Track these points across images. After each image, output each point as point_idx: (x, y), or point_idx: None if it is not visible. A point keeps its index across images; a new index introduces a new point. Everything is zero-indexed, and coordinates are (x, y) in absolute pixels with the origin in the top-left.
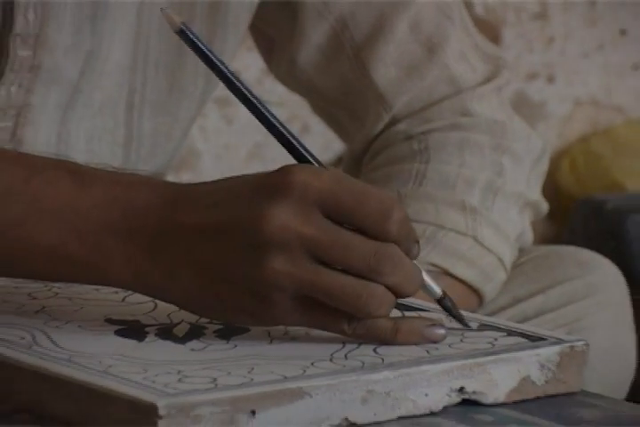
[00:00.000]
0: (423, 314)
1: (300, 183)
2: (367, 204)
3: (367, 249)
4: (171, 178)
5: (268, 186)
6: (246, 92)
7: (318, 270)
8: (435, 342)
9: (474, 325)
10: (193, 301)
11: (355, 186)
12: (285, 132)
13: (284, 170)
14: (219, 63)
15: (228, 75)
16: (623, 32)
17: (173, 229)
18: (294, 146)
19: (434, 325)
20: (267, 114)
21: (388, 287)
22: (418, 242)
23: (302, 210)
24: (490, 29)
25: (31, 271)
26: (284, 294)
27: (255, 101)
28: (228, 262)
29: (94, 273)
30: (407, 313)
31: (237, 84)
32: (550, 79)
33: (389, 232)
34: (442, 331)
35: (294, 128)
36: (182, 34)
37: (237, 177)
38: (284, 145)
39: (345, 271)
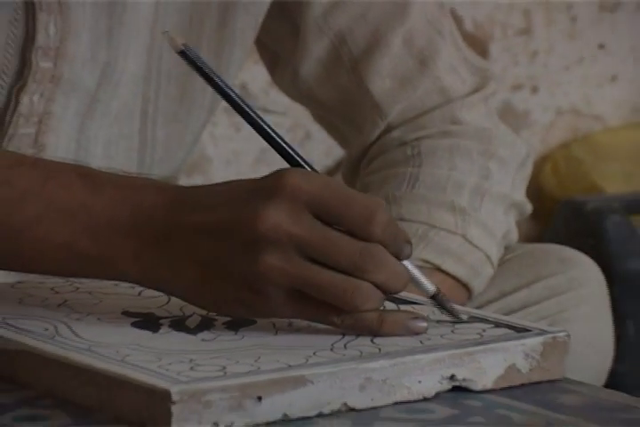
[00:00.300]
0: (417, 307)
1: (291, 186)
2: (352, 207)
3: (352, 248)
4: (183, 181)
5: (263, 188)
6: (244, 106)
7: (308, 266)
8: (417, 334)
9: (464, 317)
10: (195, 294)
11: (342, 190)
12: (280, 141)
13: (277, 174)
14: (218, 80)
15: (227, 91)
16: (601, 46)
17: (177, 228)
18: (287, 151)
19: (416, 318)
20: (263, 124)
21: (376, 285)
22: (409, 242)
23: (293, 211)
24: (478, 44)
25: (47, 268)
26: (277, 287)
27: (252, 114)
28: (227, 258)
29: (104, 268)
30: (402, 306)
31: (236, 99)
32: (534, 90)
33: (373, 233)
34: (424, 324)
35: (297, 136)
36: (183, 54)
37: (235, 180)
38: (277, 151)
39: (334, 269)
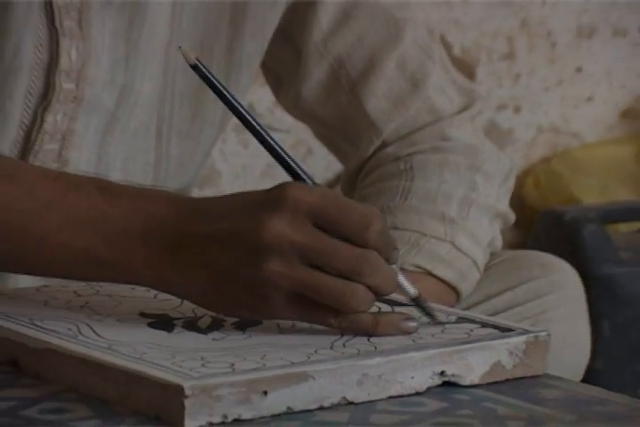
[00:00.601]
0: (411, 309)
1: (293, 198)
2: (350, 216)
3: (350, 254)
4: (195, 193)
5: (267, 200)
6: (250, 119)
7: (308, 272)
8: (408, 334)
9: (452, 318)
10: (203, 297)
11: (340, 201)
12: (283, 154)
13: (280, 186)
14: (226, 93)
15: (234, 102)
16: (579, 69)
17: (187, 236)
18: (290, 165)
19: (407, 319)
20: (267, 138)
21: (370, 288)
22: (397, 249)
23: (295, 220)
24: (465, 67)
25: (67, 272)
26: (279, 291)
27: (257, 127)
28: (233, 265)
29: (119, 272)
30: (397, 308)
31: (242, 111)
32: (517, 110)
33: (369, 240)
34: (414, 324)
35: (300, 151)
36: (196, 68)
37: (241, 193)
38: (282, 165)
39: (332, 273)
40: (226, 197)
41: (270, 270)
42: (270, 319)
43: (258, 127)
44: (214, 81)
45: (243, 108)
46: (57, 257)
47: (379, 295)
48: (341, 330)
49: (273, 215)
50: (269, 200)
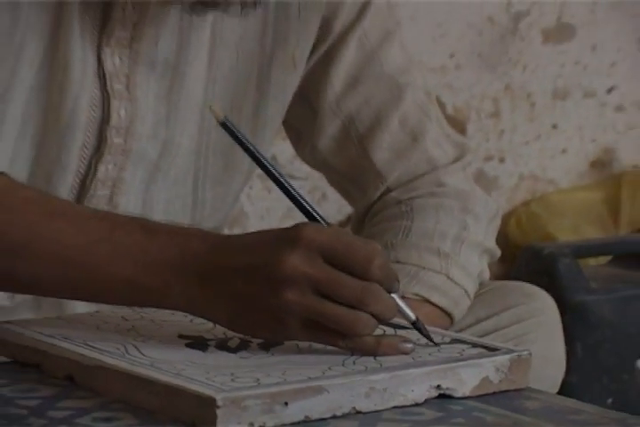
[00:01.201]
0: (411, 332)
1: (307, 237)
2: (355, 252)
3: (355, 286)
4: (225, 232)
5: (284, 238)
6: (271, 169)
7: (320, 301)
8: (406, 354)
9: (446, 339)
10: (230, 322)
11: (347, 239)
12: (300, 198)
13: (296, 226)
14: (250, 146)
15: (257, 154)
16: (555, 126)
17: (216, 268)
18: (306, 208)
19: (405, 341)
20: (286, 184)
21: (373, 315)
22: (398, 280)
23: (308, 256)
24: (457, 124)
25: (115, 298)
26: (294, 317)
27: (277, 175)
28: (255, 293)
29: (158, 298)
30: (399, 331)
31: (264, 162)
32: (501, 160)
33: (372, 274)
34: (410, 345)
35: (316, 196)
36: (224, 125)
37: (263, 231)
38: (298, 208)
39: (340, 302)
40: (250, 234)
41: (287, 299)
42: (288, 341)
43: (280, 178)
44: (240, 136)
45: (265, 159)
46: (106, 286)
47: (380, 321)
48: (348, 350)
49: (291, 252)
50: (287, 238)
